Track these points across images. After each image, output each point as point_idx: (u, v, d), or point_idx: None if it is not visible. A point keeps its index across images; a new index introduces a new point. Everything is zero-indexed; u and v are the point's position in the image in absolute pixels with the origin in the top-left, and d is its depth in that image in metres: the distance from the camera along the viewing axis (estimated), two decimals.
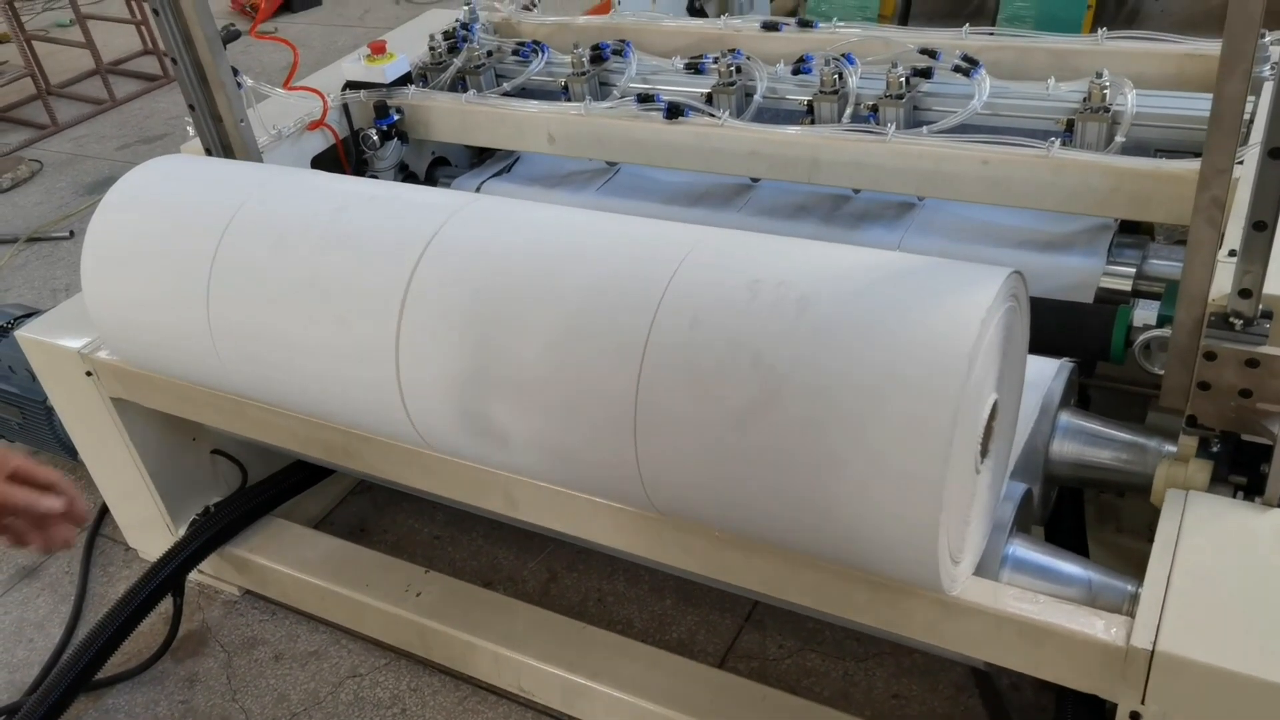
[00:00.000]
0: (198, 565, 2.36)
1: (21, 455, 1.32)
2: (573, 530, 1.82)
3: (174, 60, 2.19)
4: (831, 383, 1.31)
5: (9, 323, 2.85)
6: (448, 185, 2.77)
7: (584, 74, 2.50)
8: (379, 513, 2.67)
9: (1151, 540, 1.40)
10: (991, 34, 2.40)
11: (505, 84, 2.63)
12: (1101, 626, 1.37)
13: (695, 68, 2.46)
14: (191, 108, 2.25)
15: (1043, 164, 1.97)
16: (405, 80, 2.69)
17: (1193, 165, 1.70)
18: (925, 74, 2.21)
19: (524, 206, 1.76)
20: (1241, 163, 1.64)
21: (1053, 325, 1.84)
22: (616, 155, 2.48)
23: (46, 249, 4.33)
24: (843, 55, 2.29)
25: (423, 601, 2.21)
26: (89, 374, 2.22)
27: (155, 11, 2.12)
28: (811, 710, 1.94)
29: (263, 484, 2.47)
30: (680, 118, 2.29)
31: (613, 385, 1.45)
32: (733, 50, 2.41)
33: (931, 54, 2.25)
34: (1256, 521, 1.41)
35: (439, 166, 2.86)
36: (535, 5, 2.97)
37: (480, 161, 2.89)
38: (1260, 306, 1.40)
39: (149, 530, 2.48)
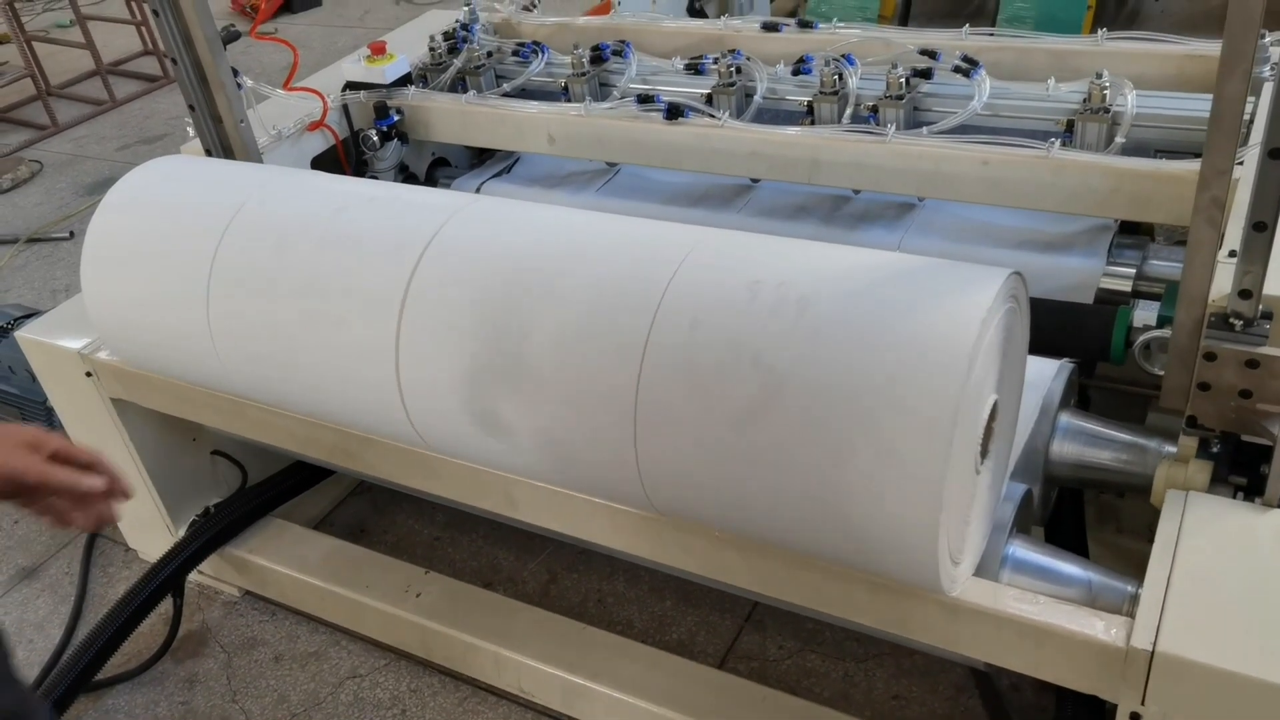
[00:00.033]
0: (198, 566, 2.36)
1: (61, 436, 1.30)
2: (572, 531, 1.82)
3: (174, 61, 2.19)
4: (831, 383, 1.31)
5: (9, 323, 2.85)
6: (448, 186, 2.77)
7: (584, 75, 2.50)
8: (379, 513, 2.67)
9: (1151, 541, 1.40)
10: (991, 35, 2.40)
11: (505, 85, 2.63)
12: (1101, 627, 1.37)
13: (695, 68, 2.46)
14: (191, 108, 2.25)
15: (1043, 165, 1.97)
16: (405, 81, 2.69)
17: (1193, 166, 1.70)
18: (925, 75, 2.21)
19: (524, 207, 1.76)
20: (1241, 163, 1.64)
21: (1053, 326, 1.84)
22: (616, 156, 2.48)
23: (46, 249, 4.33)
24: (843, 56, 2.29)
25: (423, 602, 2.21)
26: (89, 374, 2.22)
27: (155, 12, 2.12)
28: (811, 711, 1.94)
29: (262, 485, 2.47)
30: (680, 118, 2.29)
31: (613, 385, 1.45)
32: (733, 51, 2.41)
33: (931, 55, 2.25)
34: (1256, 522, 1.40)
35: (439, 167, 2.86)
36: (535, 6, 2.97)
37: (480, 162, 2.89)
38: (1260, 307, 1.40)
39: (149, 531, 2.48)
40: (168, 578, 2.24)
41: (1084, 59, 2.23)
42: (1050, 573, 1.50)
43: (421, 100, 2.62)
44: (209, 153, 2.31)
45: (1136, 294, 1.98)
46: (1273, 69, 2.00)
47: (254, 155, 2.31)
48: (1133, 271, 2.00)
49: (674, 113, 2.28)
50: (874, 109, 2.18)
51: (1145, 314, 1.84)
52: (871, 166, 2.13)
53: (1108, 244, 2.06)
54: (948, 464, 1.25)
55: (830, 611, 1.61)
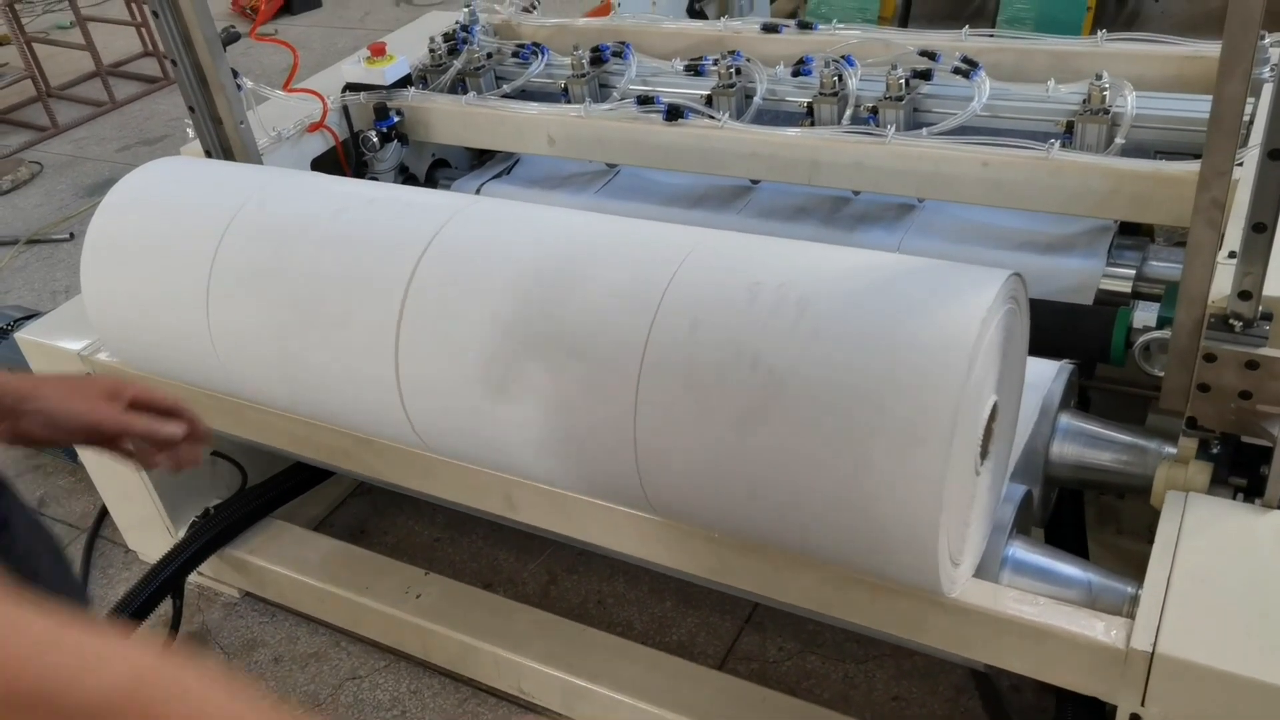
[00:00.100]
0: (197, 567, 2.36)
1: (139, 382, 1.32)
2: (572, 532, 1.81)
3: (174, 62, 2.19)
4: (831, 384, 1.31)
5: (9, 325, 2.85)
6: (448, 187, 2.77)
7: (584, 76, 2.51)
8: (379, 515, 2.67)
9: (1151, 542, 1.40)
10: (991, 36, 2.40)
11: (505, 86, 2.63)
12: (1101, 628, 1.36)
13: (695, 70, 2.46)
14: (191, 110, 2.25)
15: (1042, 166, 1.97)
16: (405, 82, 2.69)
17: (1192, 167, 1.70)
18: (925, 76, 2.21)
19: (524, 208, 1.76)
20: (1241, 164, 1.64)
21: (1053, 327, 1.84)
22: (616, 157, 2.48)
23: (46, 251, 4.33)
24: (842, 57, 2.28)
25: (422, 603, 2.21)
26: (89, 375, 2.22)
27: (155, 14, 2.12)
28: (811, 712, 1.94)
29: (262, 486, 2.47)
30: (680, 119, 2.29)
31: (612, 386, 1.45)
32: (732, 52, 2.41)
33: (931, 56, 2.25)
34: (1256, 523, 1.40)
35: (439, 168, 2.86)
36: (535, 7, 2.97)
37: (480, 163, 2.89)
38: (1260, 308, 1.40)
39: (148, 532, 2.48)
40: (167, 579, 2.24)
41: (1084, 60, 2.23)
42: (1050, 574, 1.50)
43: (421, 101, 2.62)
44: (209, 154, 2.31)
45: (1136, 295, 1.98)
46: (1272, 70, 2.00)
47: (254, 156, 2.31)
48: (1132, 272, 2.00)
49: (674, 114, 2.28)
50: (874, 110, 2.18)
51: (1145, 315, 1.84)
52: (871, 168, 2.13)
53: (1107, 245, 2.06)
54: (948, 465, 1.25)
55: (830, 613, 1.61)
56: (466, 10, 2.86)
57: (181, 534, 2.40)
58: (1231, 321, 1.41)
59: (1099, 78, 2.04)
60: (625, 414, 1.44)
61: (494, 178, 2.74)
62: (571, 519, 1.78)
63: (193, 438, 1.33)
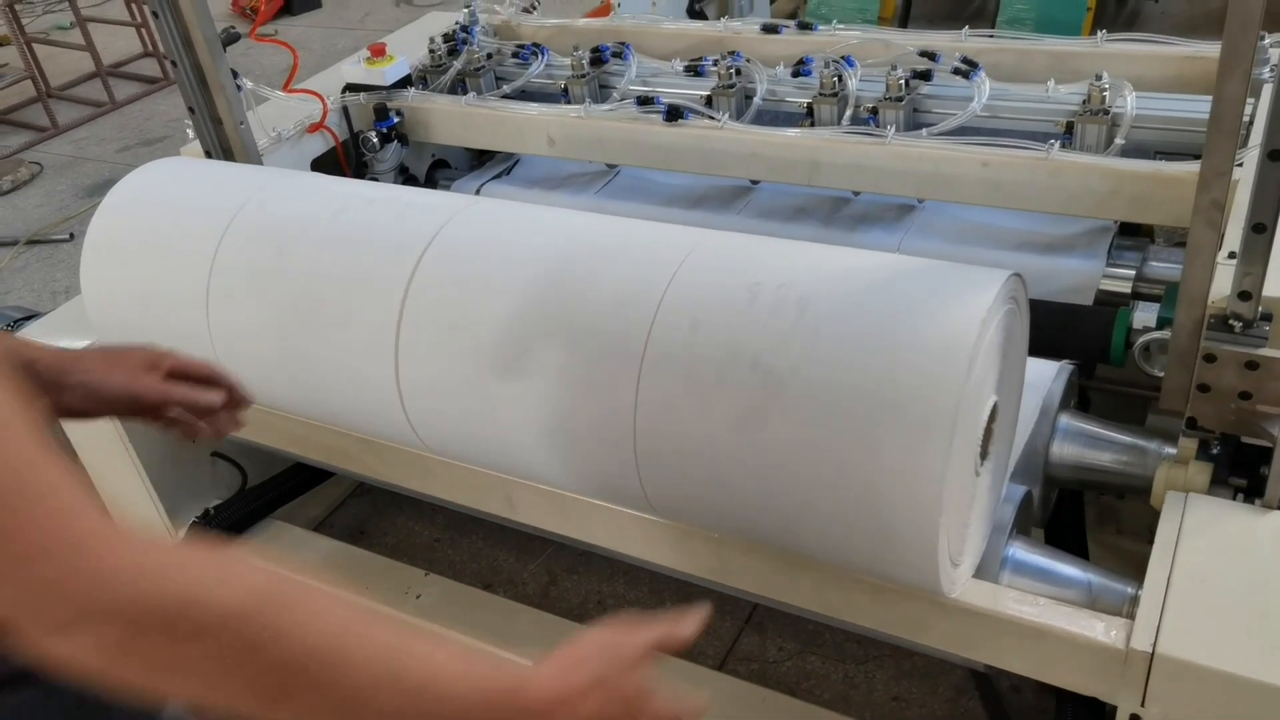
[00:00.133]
0: None
1: (176, 352, 1.33)
2: (572, 533, 1.81)
3: (174, 63, 2.19)
4: (831, 384, 1.31)
5: (9, 325, 2.86)
6: (447, 188, 2.77)
7: (584, 76, 2.51)
8: (379, 515, 2.67)
9: (1151, 542, 1.40)
10: (991, 36, 2.40)
11: (505, 86, 2.63)
12: (1101, 629, 1.36)
13: (695, 70, 2.46)
14: (191, 110, 2.25)
15: (1042, 166, 1.97)
16: (405, 83, 2.69)
17: (1192, 167, 1.70)
18: (925, 76, 2.21)
19: (524, 209, 1.76)
20: (1241, 165, 1.64)
21: (1052, 327, 1.84)
22: (616, 158, 2.48)
23: (46, 251, 4.33)
24: (842, 58, 2.28)
25: (422, 604, 2.21)
26: None
27: (155, 14, 2.12)
28: (811, 713, 1.94)
29: (262, 486, 2.47)
30: (680, 120, 2.29)
31: (612, 387, 1.45)
32: (732, 53, 2.40)
33: (931, 56, 2.25)
34: (1256, 524, 1.40)
35: (439, 169, 2.86)
36: (535, 8, 2.97)
37: (480, 164, 2.89)
38: (1260, 309, 1.40)
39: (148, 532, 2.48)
40: None
41: (1083, 61, 2.23)
42: (1050, 574, 1.50)
43: (421, 102, 2.62)
44: (209, 154, 2.31)
45: (1136, 295, 1.98)
46: (1272, 71, 2.00)
47: (254, 157, 2.31)
48: (1132, 273, 2.00)
49: (674, 114, 2.28)
50: (874, 111, 2.18)
51: (1145, 315, 1.84)
52: (871, 168, 2.13)
53: (1107, 245, 2.06)
54: (948, 465, 1.25)
55: (830, 614, 1.61)
56: (466, 11, 2.86)
57: (182, 535, 2.40)
58: (1231, 322, 1.41)
59: (1099, 78, 2.04)
60: (625, 414, 1.44)
61: (494, 178, 2.74)
62: (571, 519, 1.78)
63: (232, 404, 1.36)
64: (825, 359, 1.32)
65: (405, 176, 2.75)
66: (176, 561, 0.76)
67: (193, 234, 1.87)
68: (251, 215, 1.84)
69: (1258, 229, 1.32)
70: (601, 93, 2.53)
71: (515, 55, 2.73)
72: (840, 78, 2.24)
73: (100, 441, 2.33)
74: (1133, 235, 2.16)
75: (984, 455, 1.42)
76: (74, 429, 2.39)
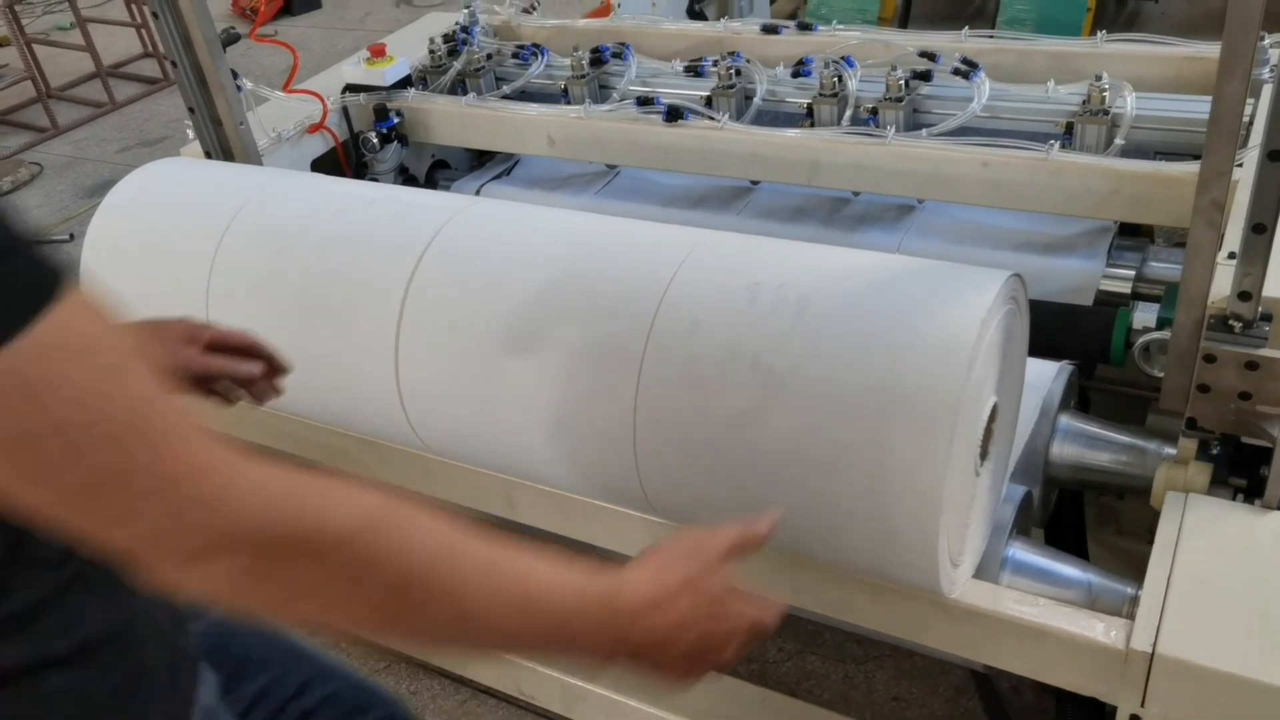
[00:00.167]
0: None
1: (215, 325, 1.36)
2: (572, 533, 1.81)
3: (174, 63, 2.19)
4: (831, 384, 1.31)
5: None
6: (447, 188, 2.77)
7: (584, 77, 2.51)
8: None
9: (1151, 543, 1.40)
10: (991, 37, 2.40)
11: (505, 87, 2.63)
12: (1101, 629, 1.36)
13: (695, 70, 2.46)
14: (191, 110, 2.25)
15: (1042, 166, 1.97)
16: (405, 83, 2.69)
17: (1192, 168, 1.70)
18: (925, 77, 2.21)
19: (524, 209, 1.76)
20: (1241, 165, 1.64)
21: (1052, 327, 1.84)
22: (616, 158, 2.48)
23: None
24: (842, 58, 2.28)
25: None
26: None
27: (155, 14, 2.12)
28: (811, 713, 1.94)
29: None
30: (680, 120, 2.29)
31: (612, 387, 1.45)
32: (732, 53, 2.41)
33: (931, 57, 2.25)
34: (1256, 524, 1.40)
35: (439, 169, 2.86)
36: (535, 8, 2.97)
37: (480, 164, 2.89)
38: (1260, 309, 1.40)
39: None
40: None
41: (1083, 61, 2.23)
42: (1050, 575, 1.50)
43: (421, 102, 2.62)
44: (209, 155, 2.31)
45: (1136, 296, 1.98)
46: (1272, 71, 2.01)
47: (254, 157, 2.31)
48: (1132, 273, 2.00)
49: (673, 115, 2.28)
50: (874, 111, 2.18)
51: (1145, 316, 1.84)
52: (871, 168, 2.13)
53: (1107, 246, 2.06)
54: (947, 465, 1.25)
55: (830, 614, 1.61)
56: (466, 11, 2.86)
57: None
58: (1231, 322, 1.40)
59: (1099, 78, 2.04)
60: (625, 413, 1.44)
61: (494, 179, 2.74)
62: (571, 519, 1.78)
63: (271, 373, 1.38)
64: (825, 359, 1.32)
65: (405, 177, 2.75)
66: (295, 488, 0.78)
67: (193, 234, 1.87)
68: (251, 216, 1.84)
69: (1258, 229, 1.32)
70: (601, 93, 2.53)
71: (515, 56, 2.73)
72: (840, 78, 2.24)
73: None
74: (1133, 235, 2.16)
75: (984, 455, 1.42)
76: None
